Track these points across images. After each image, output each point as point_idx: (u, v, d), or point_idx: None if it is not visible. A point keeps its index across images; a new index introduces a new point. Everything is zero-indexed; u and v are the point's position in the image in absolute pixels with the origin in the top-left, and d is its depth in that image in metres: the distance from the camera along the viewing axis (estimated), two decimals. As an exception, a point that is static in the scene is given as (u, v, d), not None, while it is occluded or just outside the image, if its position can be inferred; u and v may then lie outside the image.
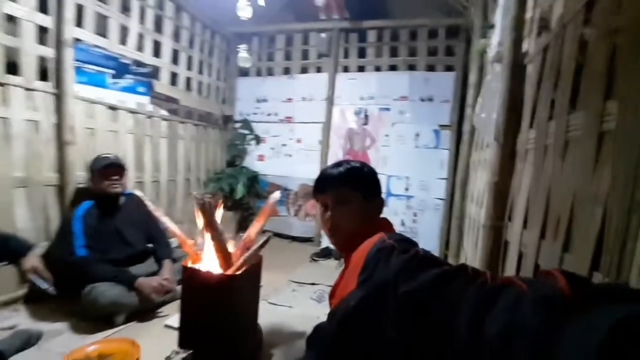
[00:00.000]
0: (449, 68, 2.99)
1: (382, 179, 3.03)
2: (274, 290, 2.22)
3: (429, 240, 2.94)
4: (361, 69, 3.28)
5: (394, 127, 3.13)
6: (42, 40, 1.90)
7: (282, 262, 2.67)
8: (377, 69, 3.22)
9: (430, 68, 3.06)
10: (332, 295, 0.94)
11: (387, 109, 3.15)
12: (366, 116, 3.21)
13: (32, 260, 1.21)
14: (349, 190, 0.92)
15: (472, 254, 1.65)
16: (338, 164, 0.98)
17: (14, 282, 1.80)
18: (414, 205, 3.08)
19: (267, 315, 1.80)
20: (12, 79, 1.77)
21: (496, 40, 1.52)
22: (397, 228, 3.14)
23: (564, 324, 0.33)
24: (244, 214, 3.50)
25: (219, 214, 1.41)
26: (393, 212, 3.07)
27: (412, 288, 0.54)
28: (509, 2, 1.23)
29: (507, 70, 1.22)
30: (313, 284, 2.34)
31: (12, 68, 1.78)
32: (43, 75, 1.92)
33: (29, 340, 1.49)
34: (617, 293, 0.35)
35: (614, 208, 0.52)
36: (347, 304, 0.67)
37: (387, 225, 0.94)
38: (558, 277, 0.37)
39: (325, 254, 2.99)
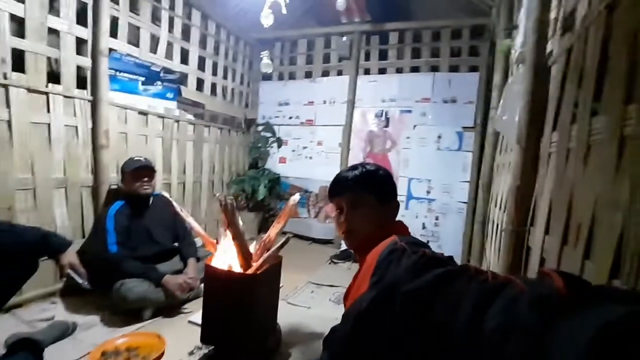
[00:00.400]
0: (473, 69, 2.93)
1: (403, 182, 3.07)
2: (293, 290, 2.26)
3: (451, 245, 2.88)
4: (382, 71, 3.26)
5: (416, 129, 3.10)
6: (80, 51, 2.04)
7: (301, 264, 2.70)
8: (399, 70, 3.20)
9: (454, 69, 3.01)
10: (346, 297, 0.96)
11: (409, 111, 3.12)
12: (387, 118, 3.20)
13: (70, 256, 1.30)
14: (364, 194, 0.92)
15: (494, 259, 1.61)
16: (353, 167, 0.98)
17: (52, 276, 1.93)
18: (435, 209, 3.02)
19: (286, 315, 1.84)
20: (53, 87, 1.91)
21: (520, 41, 1.48)
22: (419, 231, 3.09)
23: (557, 321, 0.34)
24: (265, 216, 3.57)
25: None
26: (414, 215, 3.03)
27: (413, 287, 0.56)
28: (532, 2, 1.20)
29: (530, 71, 1.19)
30: (332, 285, 2.36)
31: (53, 77, 1.93)
32: (80, 83, 2.06)
33: (65, 331, 1.60)
34: (614, 294, 0.36)
35: (633, 215, 0.50)
36: (359, 306, 0.68)
37: (402, 229, 0.93)
38: (555, 277, 0.38)
39: (344, 256, 2.99)
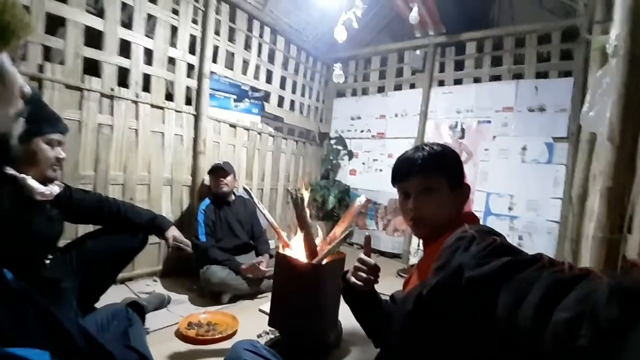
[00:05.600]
0: (566, 74, 2.65)
1: (481, 196, 2.89)
2: (357, 296, 2.27)
3: (538, 269, 2.55)
4: (458, 82, 3.16)
5: (496, 140, 2.89)
6: (188, 74, 2.49)
7: (367, 273, 2.69)
8: (476, 80, 3.06)
9: (541, 75, 2.76)
10: (406, 284, 0.96)
11: (488, 122, 2.94)
12: (462, 130, 3.06)
13: (173, 231, 1.60)
14: (435, 177, 0.82)
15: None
16: (418, 148, 0.87)
17: (156, 259, 2.34)
18: (519, 227, 2.73)
19: (349, 316, 1.85)
20: (168, 104, 2.36)
21: (615, 34, 1.34)
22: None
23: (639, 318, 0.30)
24: (334, 225, 3.66)
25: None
26: (493, 233, 2.78)
27: (478, 274, 0.53)
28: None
29: (624, 62, 1.08)
30: (397, 296, 2.30)
31: (168, 95, 2.38)
32: (187, 101, 2.50)
33: (163, 302, 1.90)
34: None
35: None
36: (421, 289, 0.68)
37: (473, 218, 0.87)
38: None
39: (413, 271, 2.89)
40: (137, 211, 1.53)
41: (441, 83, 3.25)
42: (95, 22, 1.94)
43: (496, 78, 2.97)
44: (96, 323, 0.94)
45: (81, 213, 1.38)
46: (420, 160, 0.83)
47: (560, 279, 0.42)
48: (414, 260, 3.11)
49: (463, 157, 3.01)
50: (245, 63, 2.94)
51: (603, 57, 1.79)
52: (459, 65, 3.17)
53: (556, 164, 2.63)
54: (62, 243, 1.39)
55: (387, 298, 1.10)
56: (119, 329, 0.96)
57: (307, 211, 1.50)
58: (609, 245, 1.07)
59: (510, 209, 2.79)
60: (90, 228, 1.56)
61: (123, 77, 2.11)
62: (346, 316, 1.74)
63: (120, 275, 2.01)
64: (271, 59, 3.20)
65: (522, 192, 2.75)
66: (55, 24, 1.82)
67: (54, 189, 1.16)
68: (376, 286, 0.97)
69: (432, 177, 0.82)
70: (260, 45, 3.05)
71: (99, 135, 2.00)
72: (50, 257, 1.20)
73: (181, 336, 1.58)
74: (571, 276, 0.42)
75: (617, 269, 1.04)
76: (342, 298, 1.05)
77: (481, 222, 0.88)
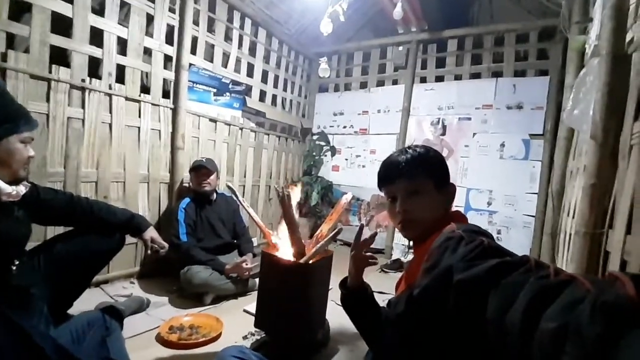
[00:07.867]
0: (542, 73, 2.74)
1: (461, 192, 2.95)
2: (343, 293, 2.26)
3: (515, 262, 2.64)
4: (440, 79, 3.20)
5: (476, 137, 2.96)
6: (165, 66, 2.37)
7: (352, 269, 2.69)
8: (457, 77, 3.11)
9: (519, 74, 2.84)
10: (398, 285, 0.95)
11: (468, 119, 3.01)
12: (444, 126, 3.11)
13: (151, 232, 1.51)
14: (421, 179, 0.83)
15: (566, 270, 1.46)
16: (402, 151, 0.88)
17: (132, 260, 2.22)
18: (497, 222, 2.82)
19: (336, 315, 1.84)
20: (144, 96, 2.23)
21: (595, 34, 1.38)
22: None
23: (624, 335, 0.29)
24: (317, 222, 3.64)
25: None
26: (473, 228, 2.86)
27: (467, 277, 0.53)
28: (608, -11, 1.13)
29: (607, 61, 1.11)
30: (381, 292, 2.31)
31: (144, 88, 2.25)
32: (164, 94, 2.38)
33: (141, 306, 1.81)
34: None
35: None
36: (411, 292, 0.68)
37: (460, 217, 0.88)
38: (625, 282, 0.32)
39: (396, 266, 2.92)
40: (112, 211, 1.44)
41: (423, 80, 3.28)
42: (64, 8, 1.79)
43: (476, 76, 3.03)
44: (71, 333, 0.86)
45: (50, 214, 1.28)
46: (405, 163, 0.84)
47: (546, 285, 0.42)
48: (397, 255, 3.14)
49: (444, 154, 3.06)
50: (226, 55, 2.84)
51: (579, 56, 1.85)
52: (441, 63, 3.21)
53: (532, 160, 2.72)
54: (29, 246, 1.28)
55: (384, 303, 1.09)
56: (96, 338, 0.89)
57: (294, 209, 1.45)
58: (592, 241, 1.10)
59: (489, 204, 2.87)
60: (60, 230, 1.45)
61: (95, 67, 1.97)
62: (334, 314, 1.74)
63: (95, 278, 1.90)
64: (252, 51, 3.11)
65: (500, 188, 2.84)
66: (19, 9, 1.67)
67: (20, 188, 1.06)
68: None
69: (417, 179, 0.83)
70: (241, 37, 2.95)
71: (69, 129, 1.86)
72: (16, 262, 1.10)
73: (162, 341, 1.51)
74: (557, 282, 0.41)
75: (599, 265, 1.08)
76: (329, 302, 1.05)
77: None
